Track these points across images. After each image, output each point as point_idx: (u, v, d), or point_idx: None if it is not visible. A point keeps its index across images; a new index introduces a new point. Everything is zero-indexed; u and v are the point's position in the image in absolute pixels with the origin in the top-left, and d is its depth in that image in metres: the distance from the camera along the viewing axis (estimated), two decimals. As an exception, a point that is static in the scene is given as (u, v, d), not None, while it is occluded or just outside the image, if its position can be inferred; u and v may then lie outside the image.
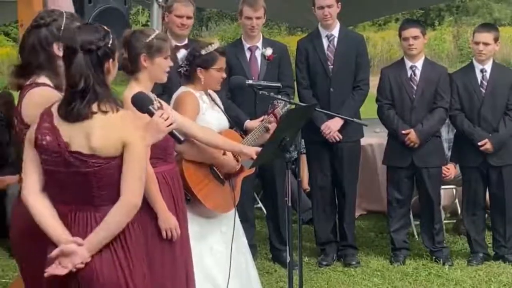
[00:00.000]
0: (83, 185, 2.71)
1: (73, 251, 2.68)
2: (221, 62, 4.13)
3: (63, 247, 2.69)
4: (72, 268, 2.68)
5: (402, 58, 5.75)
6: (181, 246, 3.59)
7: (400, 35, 5.68)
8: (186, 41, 5.17)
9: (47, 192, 2.79)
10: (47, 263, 2.73)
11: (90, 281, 2.71)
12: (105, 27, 2.88)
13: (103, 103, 2.69)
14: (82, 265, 2.69)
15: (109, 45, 2.76)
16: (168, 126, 3.11)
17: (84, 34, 2.73)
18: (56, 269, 2.69)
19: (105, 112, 2.68)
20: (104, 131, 2.67)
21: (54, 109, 2.76)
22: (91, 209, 2.73)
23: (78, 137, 2.69)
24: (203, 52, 4.10)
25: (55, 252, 2.70)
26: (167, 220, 3.47)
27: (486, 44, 5.49)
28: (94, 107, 2.68)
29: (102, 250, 2.72)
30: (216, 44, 4.17)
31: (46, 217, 2.76)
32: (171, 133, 3.17)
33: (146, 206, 3.46)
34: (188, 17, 5.16)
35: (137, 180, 2.73)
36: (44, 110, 2.80)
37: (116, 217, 2.71)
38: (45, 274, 2.71)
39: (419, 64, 5.63)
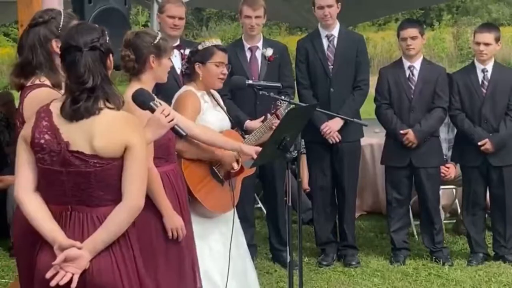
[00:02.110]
0: (82, 185, 2.69)
1: (78, 255, 2.66)
2: (219, 56, 4.12)
3: (67, 253, 2.66)
4: (79, 273, 2.66)
5: (400, 58, 5.76)
6: (187, 245, 3.60)
7: (398, 35, 5.69)
8: (178, 42, 5.16)
9: (41, 192, 2.78)
10: (42, 267, 2.71)
11: (88, 282, 2.69)
12: (97, 25, 2.89)
13: (110, 100, 2.70)
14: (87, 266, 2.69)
15: (107, 41, 2.79)
16: (169, 121, 3.10)
17: (85, 32, 2.74)
18: (64, 277, 2.65)
19: (111, 109, 2.70)
20: (107, 132, 2.67)
21: (54, 107, 2.74)
22: (86, 210, 2.71)
23: (79, 136, 2.67)
24: (200, 47, 4.13)
25: (60, 259, 2.66)
26: (173, 220, 3.46)
27: (487, 44, 5.49)
28: (101, 103, 2.69)
29: (101, 252, 2.71)
30: (215, 41, 4.17)
31: (40, 216, 2.74)
32: (173, 129, 3.16)
33: (151, 206, 3.47)
34: (180, 18, 5.15)
35: (140, 182, 2.73)
36: (41, 109, 2.78)
37: (119, 219, 2.70)
38: (52, 283, 2.66)
39: (417, 64, 5.64)
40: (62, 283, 2.65)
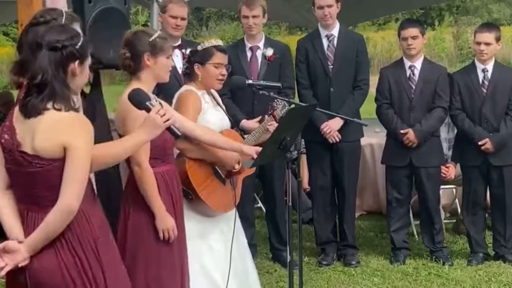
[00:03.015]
0: (30, 185, 2.71)
1: (15, 249, 2.68)
2: (219, 58, 4.11)
3: (6, 243, 2.70)
4: (12, 267, 2.69)
5: (401, 58, 5.76)
6: (178, 246, 3.59)
7: (399, 35, 5.69)
8: (179, 42, 5.16)
9: (12, 190, 2.81)
10: None
11: (36, 282, 2.71)
12: (78, 30, 2.87)
13: (58, 102, 2.67)
14: (25, 263, 2.70)
15: (77, 47, 2.74)
16: (165, 121, 3.09)
17: (52, 32, 2.73)
18: None
19: (58, 110, 2.66)
20: (47, 132, 2.65)
21: (16, 107, 2.76)
22: (38, 210, 2.73)
23: (27, 136, 2.68)
24: (199, 48, 4.13)
25: None
26: (165, 220, 3.46)
27: (487, 44, 5.49)
28: (49, 104, 2.67)
29: (44, 250, 2.71)
30: (214, 41, 4.17)
31: (5, 213, 2.77)
32: (168, 129, 3.14)
33: (144, 207, 3.46)
34: (183, 18, 5.14)
35: (76, 184, 2.69)
36: (12, 109, 2.81)
37: (53, 220, 2.69)
38: None
39: (418, 64, 5.64)
40: None
